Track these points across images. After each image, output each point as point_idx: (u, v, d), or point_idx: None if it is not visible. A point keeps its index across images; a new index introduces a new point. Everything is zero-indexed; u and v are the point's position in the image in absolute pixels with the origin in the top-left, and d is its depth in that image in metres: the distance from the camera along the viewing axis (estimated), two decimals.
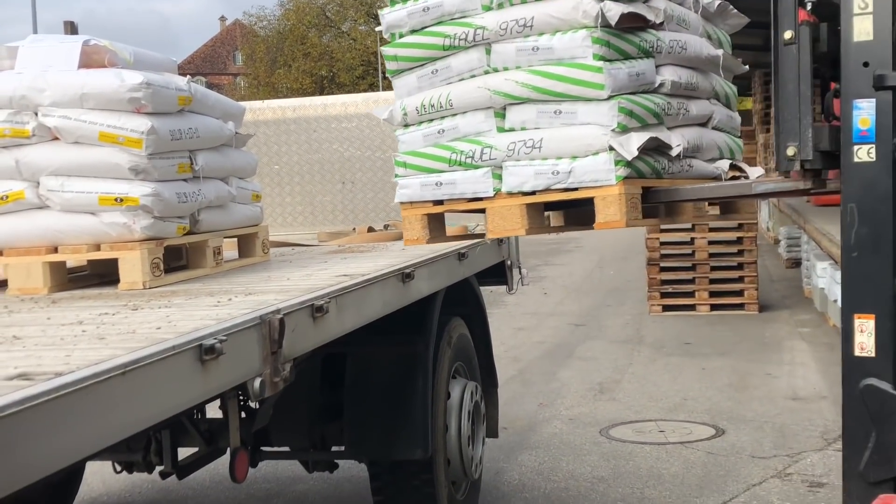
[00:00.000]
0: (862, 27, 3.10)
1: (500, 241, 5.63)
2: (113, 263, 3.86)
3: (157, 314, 3.01)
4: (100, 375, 2.11)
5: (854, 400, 3.13)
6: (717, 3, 4.19)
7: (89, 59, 3.90)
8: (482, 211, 3.84)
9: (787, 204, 16.50)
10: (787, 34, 3.17)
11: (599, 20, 3.50)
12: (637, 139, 3.57)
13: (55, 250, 3.83)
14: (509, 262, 5.91)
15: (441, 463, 4.64)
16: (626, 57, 3.64)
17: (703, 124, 4.11)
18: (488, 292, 5.75)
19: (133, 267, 3.72)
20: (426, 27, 3.77)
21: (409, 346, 4.52)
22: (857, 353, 3.12)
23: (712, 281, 11.76)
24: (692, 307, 11.76)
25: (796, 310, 11.67)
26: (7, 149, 3.84)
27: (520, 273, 6.03)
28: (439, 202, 3.84)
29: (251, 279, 3.91)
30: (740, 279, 11.75)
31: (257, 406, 4.27)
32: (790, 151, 3.18)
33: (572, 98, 3.59)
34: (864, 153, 3.10)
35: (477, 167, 3.72)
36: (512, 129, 3.70)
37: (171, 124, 3.91)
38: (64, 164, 3.79)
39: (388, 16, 3.85)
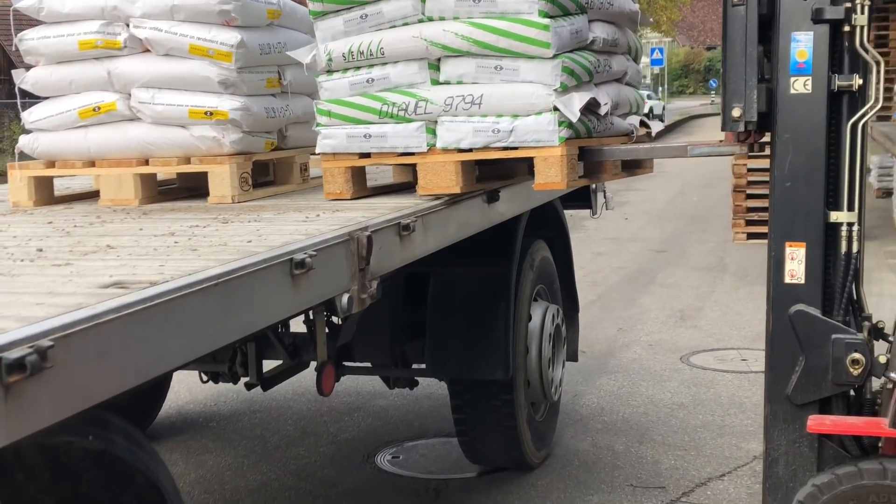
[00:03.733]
0: None
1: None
2: (202, 177, 3.89)
3: (247, 228, 3.02)
4: (193, 286, 2.13)
5: (782, 326, 3.23)
6: None
7: None
8: (412, 165, 3.74)
9: (880, 132, 15.98)
10: None
11: None
12: (578, 99, 3.54)
13: (146, 162, 3.86)
14: (594, 187, 5.82)
15: (521, 384, 4.65)
16: (566, 13, 3.57)
17: (619, 80, 4.12)
18: (569, 216, 5.68)
19: (222, 181, 3.74)
20: None
21: (492, 267, 4.50)
22: (788, 280, 3.22)
23: None
24: None
25: (886, 240, 11.36)
26: (99, 60, 3.87)
27: (604, 197, 5.94)
28: (366, 155, 3.72)
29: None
30: None
31: (341, 322, 4.31)
32: (735, 112, 3.25)
33: (514, 54, 3.51)
34: (800, 85, 3.17)
35: (410, 120, 3.62)
36: (447, 83, 3.60)
37: (261, 38, 3.89)
38: (155, 76, 3.81)
39: None
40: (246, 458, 5.30)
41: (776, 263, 3.24)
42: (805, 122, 3.17)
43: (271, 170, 4.27)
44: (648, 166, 4.59)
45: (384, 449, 5.37)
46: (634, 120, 4.28)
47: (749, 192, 11.59)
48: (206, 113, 3.76)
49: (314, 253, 2.58)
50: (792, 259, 3.22)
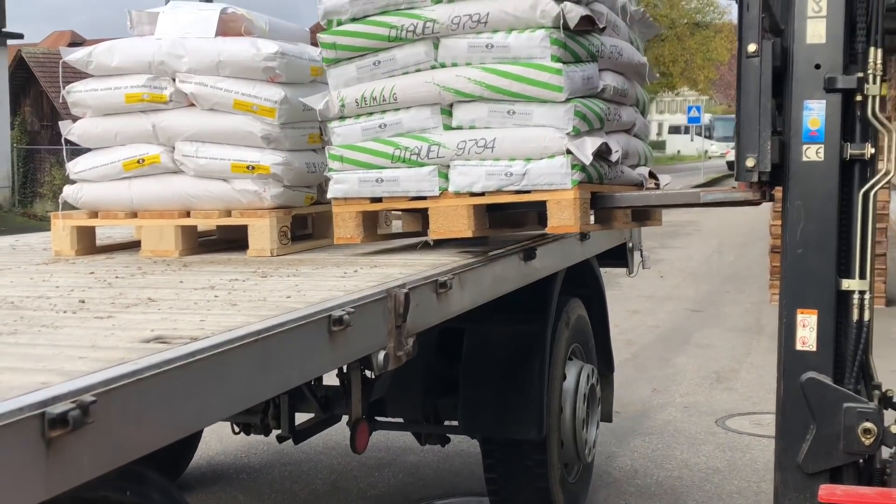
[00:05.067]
0: (815, 30, 3.18)
1: None
2: (241, 230, 3.93)
3: (286, 283, 3.04)
4: (234, 342, 2.14)
5: (793, 393, 3.21)
6: (640, 9, 4.27)
7: (226, 27, 3.96)
8: (423, 210, 3.74)
9: None
10: (751, 47, 3.23)
11: (560, 21, 3.46)
12: (591, 143, 3.57)
13: (187, 214, 3.91)
14: (630, 245, 5.82)
15: (555, 444, 4.60)
16: (578, 60, 3.62)
17: (628, 131, 4.16)
18: (604, 273, 5.67)
19: (262, 234, 3.77)
20: (369, 16, 3.66)
21: (527, 324, 4.48)
22: (799, 347, 3.20)
23: None
24: None
25: None
26: (145, 113, 3.94)
27: (641, 256, 5.93)
28: (377, 199, 3.74)
29: (375, 252, 3.93)
30: None
31: (374, 377, 4.30)
32: (749, 163, 3.26)
33: (527, 98, 3.55)
34: (812, 153, 3.18)
35: (422, 165, 3.63)
36: (460, 128, 3.63)
37: (303, 94, 3.94)
38: (199, 130, 3.87)
39: (326, 2, 3.73)
40: None
41: (787, 330, 3.23)
42: (817, 189, 3.18)
43: (310, 223, 4.30)
44: (657, 218, 4.62)
45: None
46: (644, 171, 4.33)
47: (780, 256, 11.48)
48: (248, 167, 3.80)
49: (352, 310, 2.59)
50: (804, 326, 3.20)
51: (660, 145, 63.82)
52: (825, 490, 3.13)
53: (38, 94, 27.46)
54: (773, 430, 6.55)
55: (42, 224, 18.32)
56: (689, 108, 36.43)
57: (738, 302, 11.80)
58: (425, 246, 3.82)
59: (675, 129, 65.00)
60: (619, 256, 5.76)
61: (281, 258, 3.73)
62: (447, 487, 5.61)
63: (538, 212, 4.05)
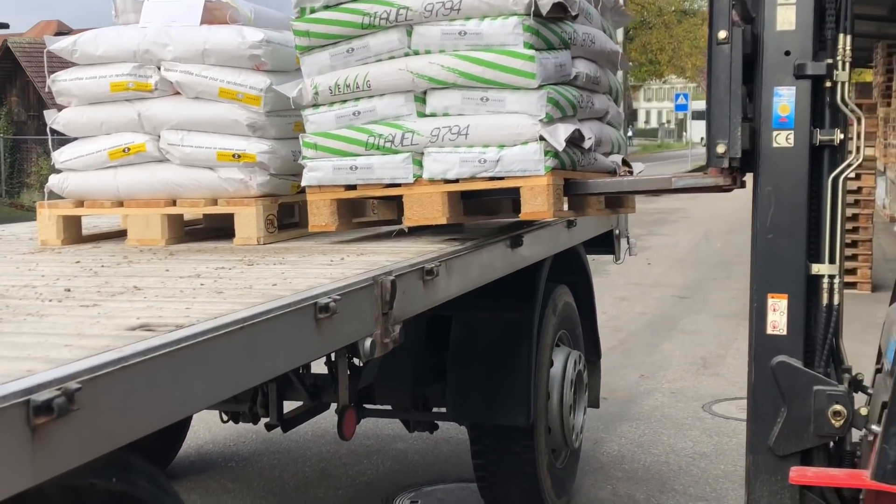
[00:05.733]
0: (785, 17, 3.21)
1: None
2: (228, 218, 3.93)
3: (272, 270, 3.05)
4: (219, 329, 2.14)
5: (764, 377, 3.23)
6: None
7: (211, 16, 3.96)
8: (397, 198, 3.76)
9: None
10: (722, 34, 3.25)
11: (532, 8, 3.48)
12: (564, 130, 3.60)
13: (173, 203, 3.91)
14: (617, 232, 5.83)
15: (542, 430, 4.62)
16: (550, 47, 3.65)
17: (601, 119, 4.20)
18: (591, 260, 5.69)
19: (248, 223, 3.77)
20: (342, 4, 3.67)
21: (514, 311, 4.50)
22: (770, 331, 3.23)
23: None
24: None
25: None
26: (130, 102, 3.93)
27: (627, 243, 5.95)
28: (352, 187, 3.75)
29: (362, 239, 3.93)
30: (853, 257, 11.37)
31: (361, 364, 4.31)
32: (720, 149, 3.29)
33: (500, 85, 3.57)
34: (782, 139, 3.20)
35: (396, 152, 3.65)
36: (434, 115, 3.65)
37: (289, 82, 3.93)
38: (184, 118, 3.86)
39: None
40: (265, 500, 5.29)
41: (758, 314, 3.25)
42: (787, 175, 3.20)
43: (296, 212, 4.30)
44: (631, 205, 4.66)
45: (403, 493, 5.34)
46: (617, 158, 4.36)
47: (750, 241, 11.52)
48: (233, 155, 3.80)
49: (338, 297, 2.60)
50: (774, 311, 3.24)
51: (671, 133, 63.72)
52: (796, 472, 3.17)
53: (24, 84, 27.31)
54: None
55: (29, 214, 18.25)
56: (677, 96, 36.47)
57: (724, 288, 11.84)
58: (400, 233, 3.83)
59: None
60: (605, 244, 5.78)
61: (267, 246, 3.73)
62: (436, 474, 5.63)
63: (512, 199, 4.08)
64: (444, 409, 4.74)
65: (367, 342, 2.81)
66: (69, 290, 2.70)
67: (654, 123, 66.91)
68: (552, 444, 4.78)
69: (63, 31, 35.69)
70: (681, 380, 7.67)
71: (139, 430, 1.93)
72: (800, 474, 3.17)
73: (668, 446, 6.06)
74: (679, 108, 35.98)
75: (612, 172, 4.29)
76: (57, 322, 2.27)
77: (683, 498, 5.19)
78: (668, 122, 68.15)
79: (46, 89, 3.99)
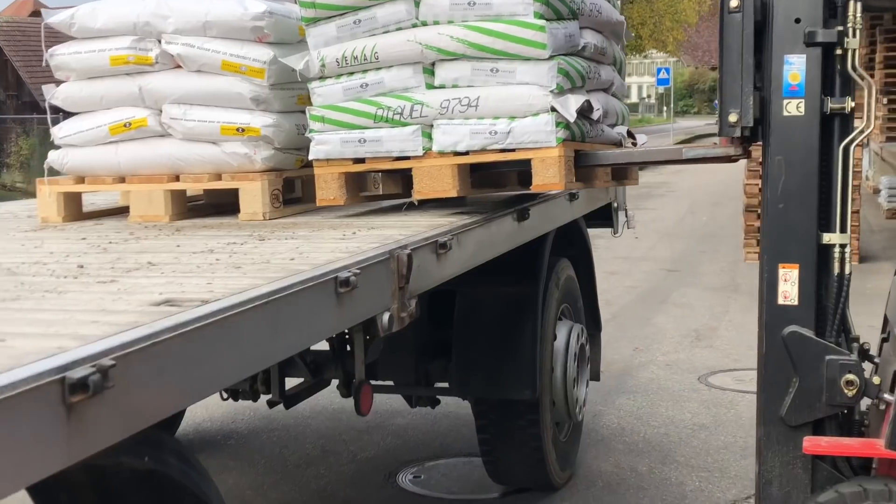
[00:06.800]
0: None
1: None
2: (230, 193, 3.88)
3: (286, 245, 3.00)
4: (245, 304, 2.10)
5: (775, 347, 3.20)
6: None
7: None
8: (403, 172, 3.73)
9: (890, 152, 15.98)
10: (733, 2, 3.21)
11: None
12: (574, 101, 3.58)
13: (177, 179, 3.84)
14: (615, 205, 5.82)
15: (547, 404, 4.61)
16: (559, 17, 3.63)
17: (606, 90, 4.18)
18: None
19: (254, 197, 3.72)
20: None
21: (518, 286, 4.47)
22: (781, 301, 3.20)
23: None
24: None
25: None
26: (130, 76, 3.86)
27: (626, 216, 5.93)
28: (360, 160, 3.71)
29: (370, 213, 3.89)
30: None
31: (368, 339, 4.28)
32: (732, 118, 3.25)
33: (510, 56, 3.54)
34: (793, 107, 3.17)
35: (405, 124, 3.62)
36: (443, 86, 3.62)
37: (292, 55, 3.86)
38: (186, 92, 3.79)
39: None
40: (266, 477, 5.26)
41: (769, 285, 3.23)
42: (798, 144, 3.18)
43: (298, 186, 4.24)
44: (634, 177, 4.65)
45: (405, 468, 5.33)
46: (622, 130, 4.35)
47: (761, 211, 11.54)
48: (237, 129, 3.74)
49: (358, 271, 2.56)
50: (785, 280, 3.21)
51: (651, 108, 63.47)
52: (809, 442, 3.17)
53: (2, 63, 26.96)
54: (756, 386, 6.69)
55: (11, 194, 18.08)
56: (658, 70, 36.44)
57: (713, 261, 11.87)
58: (411, 206, 3.80)
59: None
60: (603, 217, 5.76)
61: (274, 222, 3.68)
62: (437, 449, 5.62)
63: (519, 171, 4.05)
64: (446, 384, 4.72)
65: (385, 316, 2.78)
66: (82, 267, 2.64)
67: (634, 98, 66.95)
68: (556, 418, 4.77)
69: (38, 10, 35.26)
70: (675, 352, 7.69)
71: (171, 406, 1.90)
72: (813, 444, 3.18)
73: (667, 418, 6.07)
74: (661, 82, 35.95)
75: (618, 144, 4.27)
76: (78, 298, 2.22)
77: (686, 469, 5.19)
78: (649, 96, 68.23)
79: (44, 63, 3.90)
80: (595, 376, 5.47)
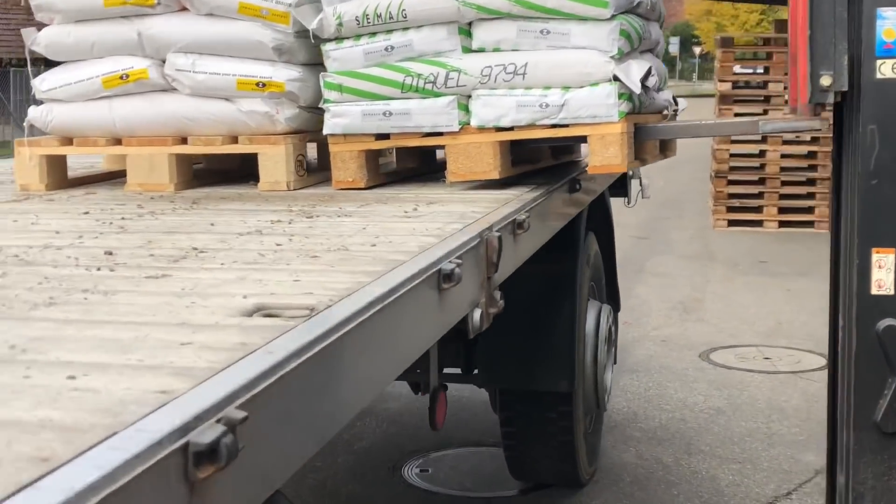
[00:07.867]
0: None
1: None
2: (234, 158, 3.36)
3: (347, 226, 2.49)
4: (363, 312, 1.60)
5: (868, 343, 2.86)
6: None
7: None
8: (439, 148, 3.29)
9: None
10: None
11: None
12: (637, 68, 3.14)
13: (183, 141, 3.29)
14: (630, 173, 5.37)
15: (580, 396, 4.17)
16: None
17: (653, 50, 3.76)
18: None
19: (276, 164, 3.18)
20: None
21: (555, 264, 3.99)
22: (875, 291, 2.86)
23: (781, 196, 11.18)
24: (759, 223, 11.23)
25: None
26: (128, 19, 3.28)
27: (640, 185, 5.50)
28: (383, 136, 3.24)
29: (412, 183, 3.38)
30: (811, 195, 11.17)
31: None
32: (825, 81, 2.80)
33: (564, 15, 3.08)
34: (887, 69, 2.79)
35: (439, 95, 3.15)
36: (482, 50, 3.16)
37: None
38: (195, 39, 3.23)
39: None
40: None
41: (860, 273, 2.85)
42: (894, 110, 2.80)
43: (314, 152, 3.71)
44: (673, 148, 4.21)
45: (410, 460, 4.87)
46: (668, 95, 3.89)
47: (731, 178, 11.27)
48: (257, 84, 3.19)
49: (459, 261, 2.07)
50: (880, 267, 2.85)
51: None
52: None
53: None
54: (761, 366, 6.35)
55: None
56: None
57: (681, 228, 11.60)
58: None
59: None
60: (617, 186, 5.33)
61: (301, 192, 3.16)
62: (439, 437, 5.15)
63: (551, 147, 3.59)
64: (457, 370, 4.24)
65: (477, 314, 2.29)
66: (111, 255, 2.10)
67: None
68: (585, 408, 4.34)
69: None
70: (666, 326, 7.35)
71: (296, 460, 1.40)
72: None
73: (679, 401, 5.70)
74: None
75: (663, 111, 3.82)
76: (134, 302, 1.68)
77: (714, 461, 4.82)
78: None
79: (22, 2, 3.30)
80: (614, 359, 5.05)
